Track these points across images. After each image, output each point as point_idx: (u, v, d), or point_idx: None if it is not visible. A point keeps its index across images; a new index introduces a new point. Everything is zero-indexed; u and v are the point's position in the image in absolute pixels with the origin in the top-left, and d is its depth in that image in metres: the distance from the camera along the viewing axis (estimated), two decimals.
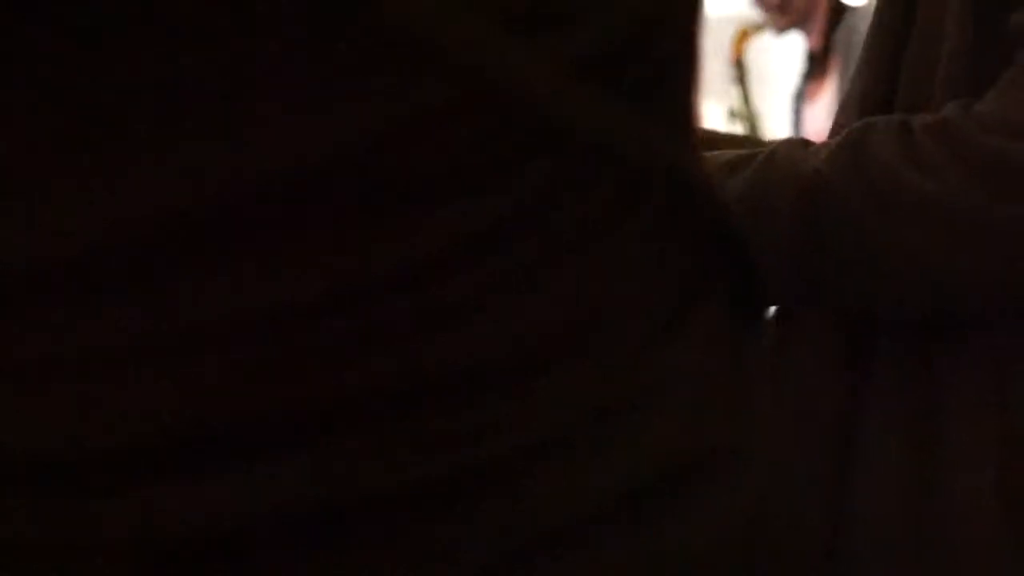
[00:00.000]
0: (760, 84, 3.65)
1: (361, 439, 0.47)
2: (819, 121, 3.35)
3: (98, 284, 0.46)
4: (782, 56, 3.79)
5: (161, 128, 0.45)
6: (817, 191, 1.06)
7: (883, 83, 1.14)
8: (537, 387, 0.49)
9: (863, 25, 1.39)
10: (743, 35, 3.63)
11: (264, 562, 0.47)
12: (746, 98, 3.63)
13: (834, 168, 1.06)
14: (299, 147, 0.46)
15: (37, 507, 0.46)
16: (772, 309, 1.18)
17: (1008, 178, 1.01)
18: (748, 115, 3.66)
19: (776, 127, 3.63)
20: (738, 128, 3.63)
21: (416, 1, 0.45)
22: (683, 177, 0.54)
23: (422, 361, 0.47)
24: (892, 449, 1.10)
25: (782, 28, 3.53)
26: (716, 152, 1.13)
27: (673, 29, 0.54)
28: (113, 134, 0.45)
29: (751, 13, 3.62)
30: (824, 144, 1.09)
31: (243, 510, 0.46)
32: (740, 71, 3.61)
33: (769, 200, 1.07)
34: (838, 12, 3.32)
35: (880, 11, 1.16)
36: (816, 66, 3.46)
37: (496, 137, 0.48)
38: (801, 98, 3.52)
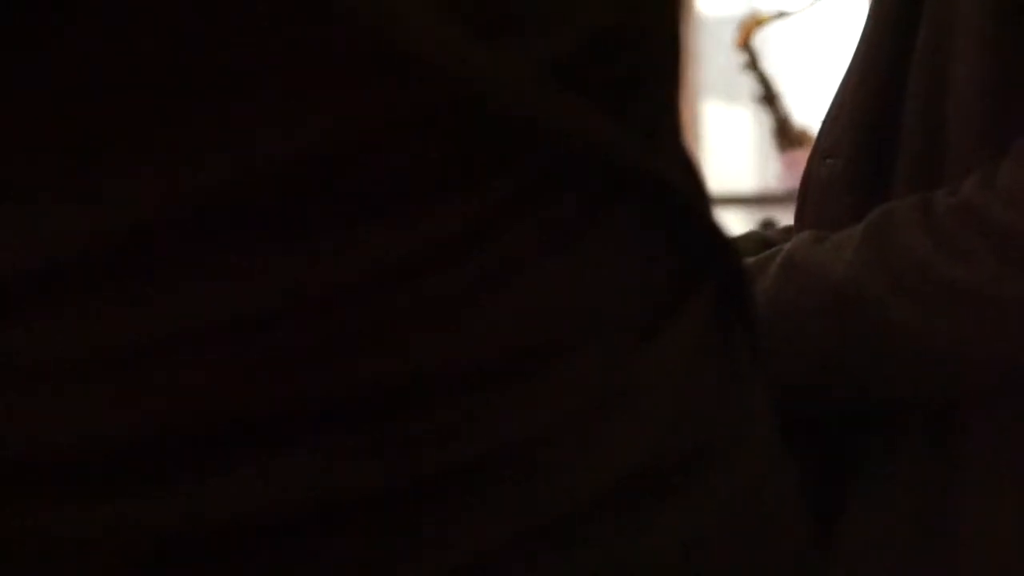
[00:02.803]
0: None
1: (350, 439, 0.47)
2: None
3: (91, 287, 0.46)
4: (788, 44, 3.77)
5: (150, 133, 0.46)
6: (844, 296, 1.03)
7: (885, 80, 1.12)
8: (514, 388, 0.49)
9: None
10: (752, 25, 3.58)
11: (257, 560, 0.47)
12: (764, 80, 3.57)
13: (859, 268, 1.03)
14: (275, 153, 0.46)
15: (29, 508, 0.47)
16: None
17: None
18: (770, 96, 3.60)
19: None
20: (764, 112, 3.57)
21: (389, 7, 0.45)
22: (662, 181, 0.54)
23: (402, 362, 0.48)
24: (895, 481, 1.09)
25: None
26: None
27: (646, 35, 0.54)
28: (104, 139, 0.46)
29: (751, 13, 3.61)
30: (840, 238, 1.06)
31: (235, 509, 0.46)
32: (751, 56, 3.56)
33: (795, 312, 1.04)
34: None
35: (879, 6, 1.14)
36: None
37: (468, 141, 0.48)
38: None
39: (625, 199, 0.52)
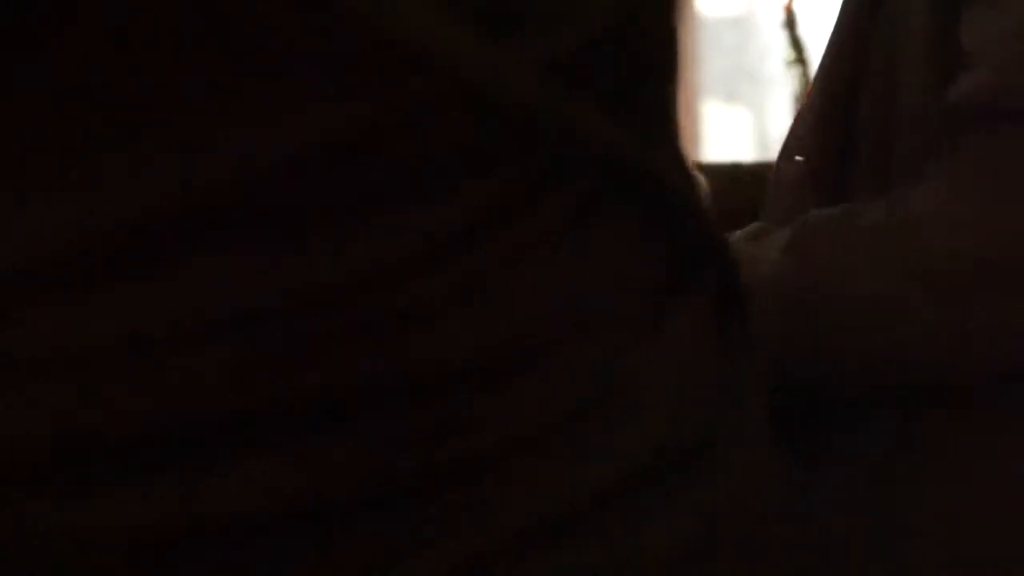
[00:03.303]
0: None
1: (348, 437, 0.47)
2: None
3: (90, 286, 0.46)
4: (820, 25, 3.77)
5: (150, 132, 0.46)
6: (769, 296, 1.07)
7: (845, 85, 1.15)
8: (513, 386, 0.49)
9: None
10: None
11: (256, 558, 0.47)
12: (797, 43, 3.61)
13: (780, 270, 1.07)
14: (274, 152, 0.46)
15: (28, 508, 0.47)
16: None
17: (950, 281, 1.02)
18: (800, 59, 3.64)
19: None
20: (794, 74, 3.61)
21: (389, 7, 0.46)
22: (659, 180, 0.54)
23: (401, 360, 0.48)
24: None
25: None
26: None
27: (645, 35, 0.54)
28: (104, 139, 0.46)
29: (751, 14, 3.62)
30: (773, 238, 1.10)
31: (235, 507, 0.47)
32: (790, 16, 3.59)
33: None
34: None
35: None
36: None
37: (468, 140, 0.49)
38: None
39: (624, 198, 0.53)
